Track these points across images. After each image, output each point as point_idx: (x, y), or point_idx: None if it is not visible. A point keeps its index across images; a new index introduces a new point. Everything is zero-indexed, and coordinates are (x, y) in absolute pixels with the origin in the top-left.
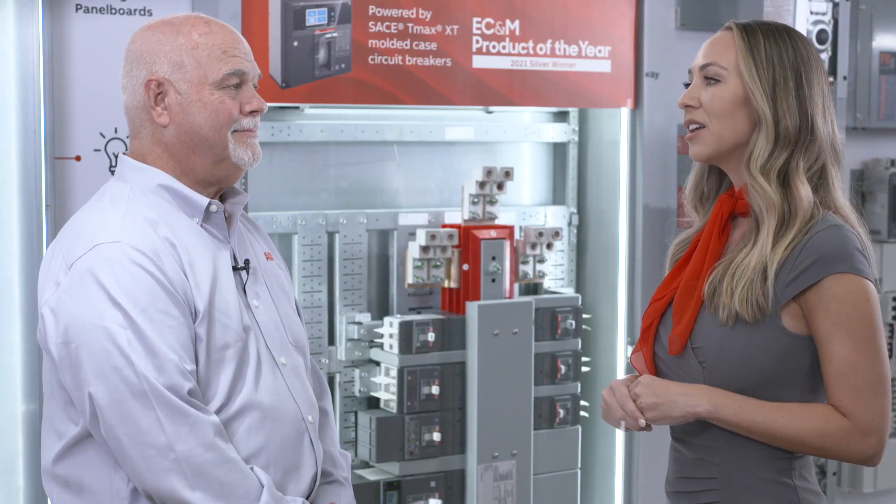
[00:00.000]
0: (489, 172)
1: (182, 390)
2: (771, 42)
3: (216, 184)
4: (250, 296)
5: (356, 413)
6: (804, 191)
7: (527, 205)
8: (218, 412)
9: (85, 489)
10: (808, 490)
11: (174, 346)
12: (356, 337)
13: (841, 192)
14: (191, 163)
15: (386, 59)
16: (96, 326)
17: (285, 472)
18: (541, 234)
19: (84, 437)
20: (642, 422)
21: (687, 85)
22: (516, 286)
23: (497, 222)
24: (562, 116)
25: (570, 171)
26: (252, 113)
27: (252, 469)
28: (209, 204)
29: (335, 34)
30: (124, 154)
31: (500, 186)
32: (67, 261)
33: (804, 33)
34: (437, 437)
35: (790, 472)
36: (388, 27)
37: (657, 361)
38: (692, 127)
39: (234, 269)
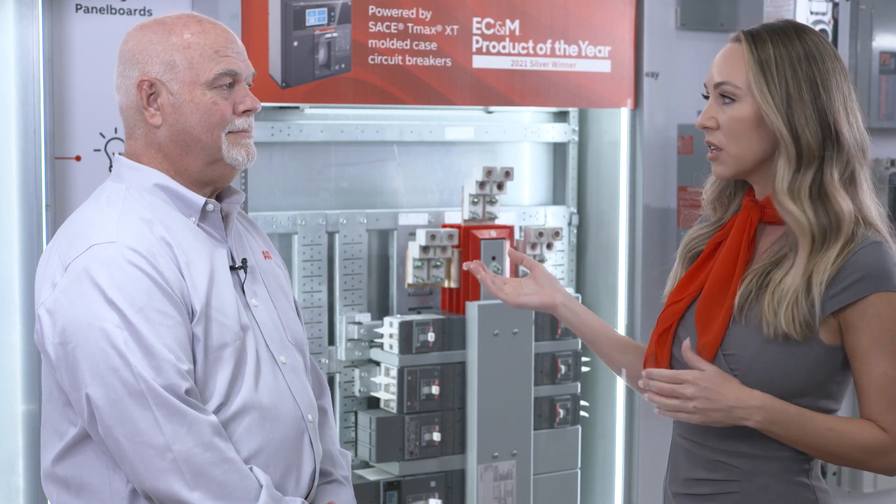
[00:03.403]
0: (489, 172)
1: (179, 390)
2: (782, 52)
3: (211, 184)
4: (249, 295)
5: (356, 413)
6: (845, 205)
7: (527, 205)
8: (217, 412)
9: (84, 490)
10: (823, 490)
11: (171, 345)
12: (356, 337)
13: (869, 194)
14: (184, 163)
15: (386, 59)
16: (93, 327)
17: (285, 471)
18: (541, 234)
19: (83, 437)
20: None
21: (706, 97)
22: None
23: (497, 222)
24: (562, 116)
25: (570, 171)
26: (245, 112)
27: (251, 469)
28: (205, 203)
29: (335, 34)
30: (119, 154)
31: (500, 186)
32: (64, 261)
33: None
34: (437, 437)
35: (808, 473)
36: (388, 27)
37: (674, 364)
38: (711, 147)
39: (232, 268)
